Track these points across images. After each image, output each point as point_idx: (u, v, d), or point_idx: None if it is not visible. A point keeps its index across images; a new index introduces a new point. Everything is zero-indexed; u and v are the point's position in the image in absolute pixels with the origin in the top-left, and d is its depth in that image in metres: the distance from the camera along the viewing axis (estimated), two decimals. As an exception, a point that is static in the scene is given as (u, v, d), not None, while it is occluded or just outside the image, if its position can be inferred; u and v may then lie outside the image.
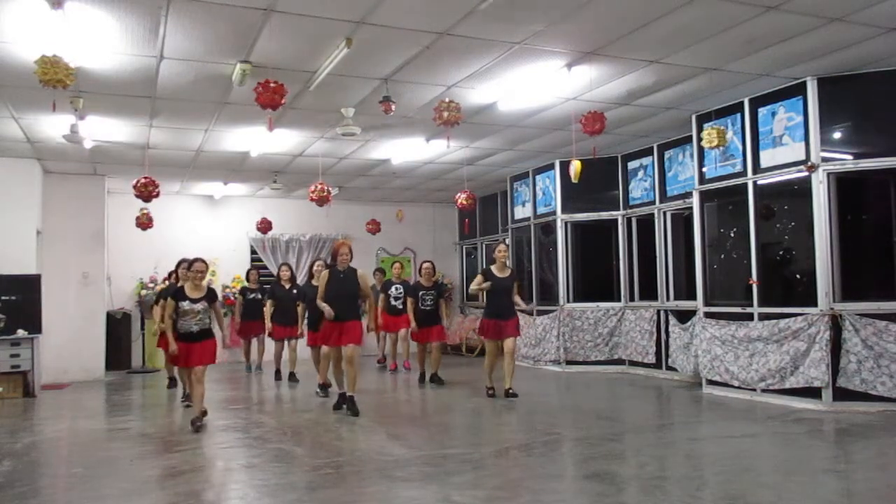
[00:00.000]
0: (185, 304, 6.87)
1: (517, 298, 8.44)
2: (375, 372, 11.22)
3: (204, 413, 7.00)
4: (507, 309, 8.29)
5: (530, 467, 5.32)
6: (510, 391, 8.20)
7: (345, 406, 7.45)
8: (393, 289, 10.85)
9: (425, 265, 9.99)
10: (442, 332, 10.05)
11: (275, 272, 12.21)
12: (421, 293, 9.79)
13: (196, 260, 7.10)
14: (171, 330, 7.02)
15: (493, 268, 8.35)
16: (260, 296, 11.11)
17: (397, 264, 11.14)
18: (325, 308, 7.32)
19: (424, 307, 9.73)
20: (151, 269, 12.71)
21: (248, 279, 11.81)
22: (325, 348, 8.06)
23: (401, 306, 10.56)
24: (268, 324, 10.32)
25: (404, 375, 10.83)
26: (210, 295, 7.01)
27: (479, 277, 8.38)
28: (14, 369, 9.33)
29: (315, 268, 9.83)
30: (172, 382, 9.75)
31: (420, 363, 10.04)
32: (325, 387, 8.69)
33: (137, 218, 10.64)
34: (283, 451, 5.94)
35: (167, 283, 10.16)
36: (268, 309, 10.34)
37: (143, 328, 12.55)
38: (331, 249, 7.81)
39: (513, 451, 5.81)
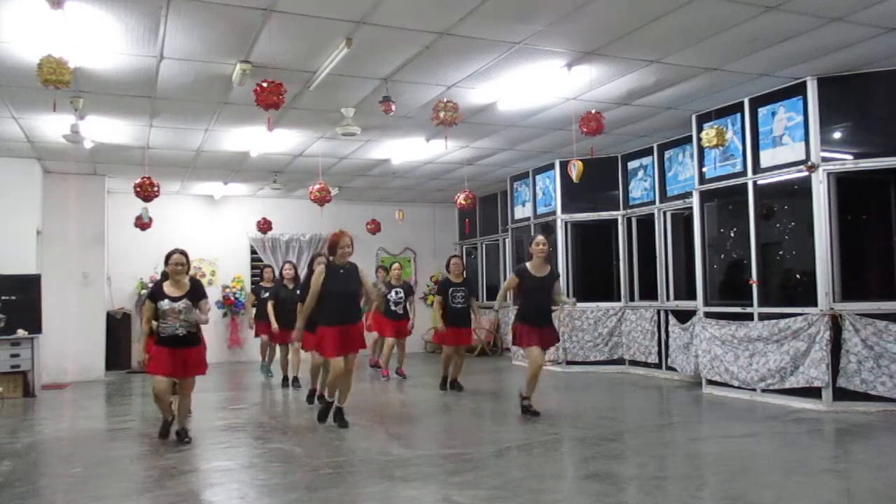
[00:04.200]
0: (165, 304, 5.98)
1: (560, 296, 7.26)
2: (371, 372, 11.14)
3: (185, 432, 6.24)
4: (547, 314, 7.11)
5: (530, 467, 5.32)
6: (528, 404, 7.17)
7: (334, 418, 6.72)
8: (393, 292, 10.14)
9: (454, 260, 9.24)
10: (471, 334, 9.33)
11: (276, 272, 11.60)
12: (451, 290, 8.94)
13: (174, 252, 6.18)
14: (146, 336, 6.24)
15: (528, 265, 7.06)
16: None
17: (396, 265, 10.56)
18: (298, 324, 6.62)
19: (455, 305, 8.88)
20: (151, 269, 12.71)
21: (262, 277, 11.19)
22: (316, 357, 7.38)
23: (401, 311, 10.07)
24: (274, 325, 9.69)
25: (399, 380, 10.28)
26: (194, 292, 6.11)
27: (511, 278, 7.13)
28: (14, 369, 9.33)
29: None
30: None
31: (444, 368, 9.11)
32: (322, 397, 7.87)
33: (137, 218, 10.64)
34: (283, 451, 5.94)
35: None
36: (270, 310, 9.75)
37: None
38: (327, 241, 6.59)
39: (513, 451, 5.80)
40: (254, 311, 10.57)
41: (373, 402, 8.49)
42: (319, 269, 6.49)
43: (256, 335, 10.80)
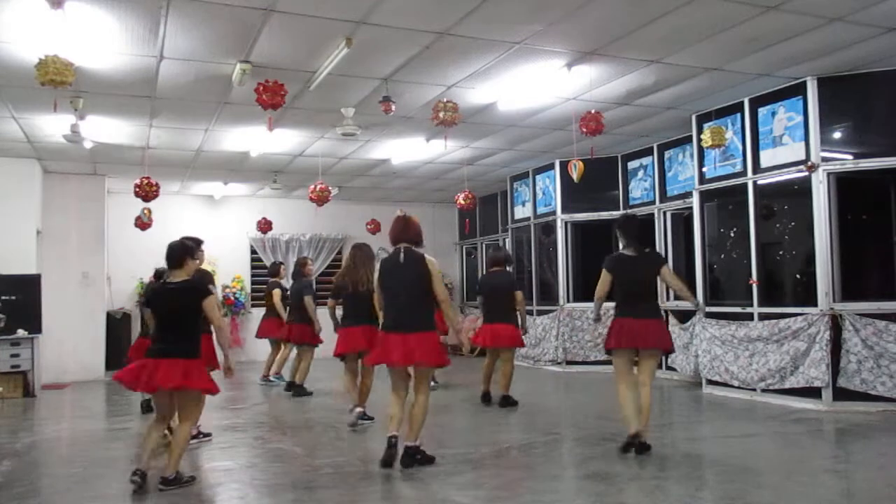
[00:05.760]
0: None
1: (679, 287, 5.76)
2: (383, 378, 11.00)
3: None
4: (648, 306, 5.51)
5: (530, 467, 5.32)
6: (639, 439, 5.36)
7: (415, 459, 5.17)
8: None
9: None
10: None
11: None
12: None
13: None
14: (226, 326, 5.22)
15: (623, 251, 5.72)
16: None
17: None
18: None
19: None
20: (151, 269, 12.66)
21: (276, 274, 10.43)
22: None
23: None
24: (316, 323, 8.98)
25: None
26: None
27: (604, 275, 5.71)
28: (14, 369, 9.33)
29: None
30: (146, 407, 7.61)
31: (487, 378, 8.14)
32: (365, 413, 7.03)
33: (138, 218, 10.63)
34: (283, 451, 5.95)
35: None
36: (310, 303, 8.99)
37: (143, 328, 12.52)
38: (399, 226, 5.65)
39: (513, 451, 5.81)
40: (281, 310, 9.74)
41: (374, 402, 8.47)
42: (431, 259, 5.54)
43: (294, 340, 9.31)
